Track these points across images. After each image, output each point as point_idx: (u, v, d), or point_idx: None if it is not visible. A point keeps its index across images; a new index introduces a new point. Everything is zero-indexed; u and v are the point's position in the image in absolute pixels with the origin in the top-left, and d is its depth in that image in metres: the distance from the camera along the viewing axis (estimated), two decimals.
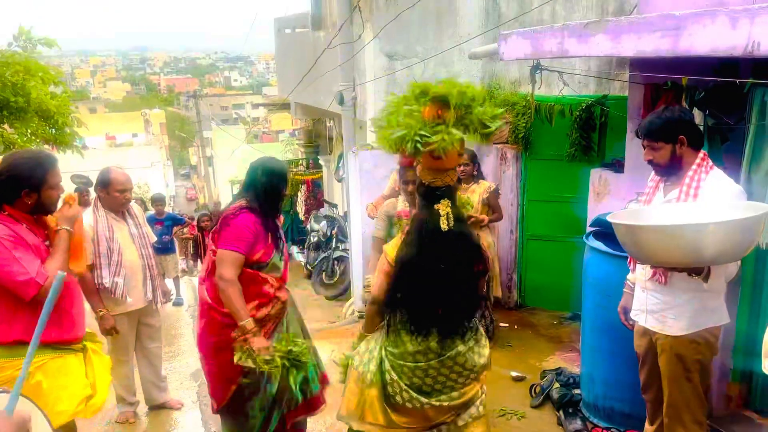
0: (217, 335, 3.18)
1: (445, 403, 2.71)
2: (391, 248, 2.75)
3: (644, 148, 2.87)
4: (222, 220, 3.17)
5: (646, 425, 3.23)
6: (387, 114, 2.58)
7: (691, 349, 2.82)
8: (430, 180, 2.63)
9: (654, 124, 2.80)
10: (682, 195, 2.78)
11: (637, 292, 3.05)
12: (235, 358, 3.08)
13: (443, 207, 2.62)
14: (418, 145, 2.44)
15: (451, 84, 2.52)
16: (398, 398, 2.71)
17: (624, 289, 3.23)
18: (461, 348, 2.70)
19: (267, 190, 3.26)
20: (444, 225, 2.60)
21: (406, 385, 2.70)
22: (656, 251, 2.48)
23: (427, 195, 2.65)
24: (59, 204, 2.94)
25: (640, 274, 2.99)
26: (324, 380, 3.51)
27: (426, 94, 2.51)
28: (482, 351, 2.77)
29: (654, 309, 2.92)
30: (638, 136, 2.94)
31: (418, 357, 2.69)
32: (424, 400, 2.69)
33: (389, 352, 2.74)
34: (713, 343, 2.85)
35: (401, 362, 2.71)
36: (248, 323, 3.07)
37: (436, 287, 2.65)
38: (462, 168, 5.20)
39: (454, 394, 2.73)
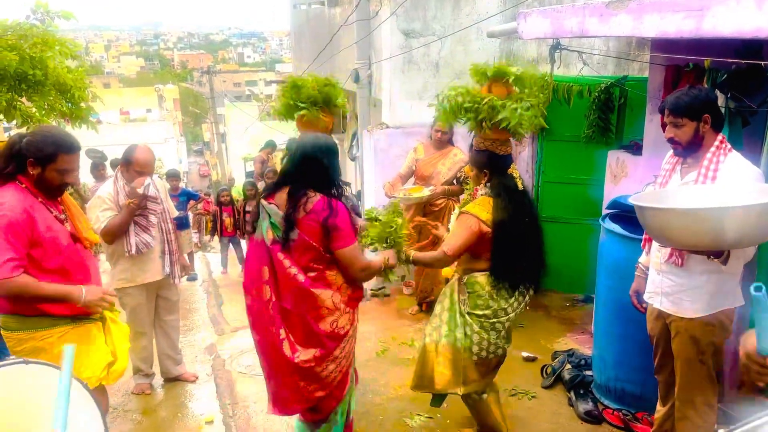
0: (344, 333, 3.02)
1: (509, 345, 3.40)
2: (480, 210, 3.15)
3: (665, 126, 2.84)
4: (326, 224, 2.82)
5: (658, 406, 3.25)
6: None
7: (705, 332, 2.83)
8: (504, 150, 3.22)
9: (681, 100, 2.75)
10: (700, 177, 2.75)
11: (651, 275, 3.04)
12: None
13: (514, 170, 3.30)
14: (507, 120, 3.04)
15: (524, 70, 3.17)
16: (484, 353, 3.23)
17: (636, 273, 3.23)
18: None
19: (333, 171, 2.98)
20: (520, 185, 3.26)
21: (494, 338, 3.22)
22: (680, 234, 2.45)
23: (502, 163, 3.23)
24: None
25: (655, 257, 2.98)
26: None
27: (503, 75, 3.16)
28: None
29: (669, 291, 2.91)
30: (661, 112, 2.90)
31: (509, 310, 3.23)
32: (508, 346, 3.37)
33: (476, 315, 3.20)
34: (728, 325, 2.85)
35: (494, 320, 3.20)
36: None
37: (531, 243, 3.25)
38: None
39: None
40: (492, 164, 3.22)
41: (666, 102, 2.85)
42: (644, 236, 3.11)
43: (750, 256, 2.77)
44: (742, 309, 2.93)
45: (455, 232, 3.19)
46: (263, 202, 2.96)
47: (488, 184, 3.25)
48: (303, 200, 2.83)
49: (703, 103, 2.73)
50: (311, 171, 2.91)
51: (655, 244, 2.97)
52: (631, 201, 2.62)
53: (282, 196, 2.91)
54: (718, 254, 2.62)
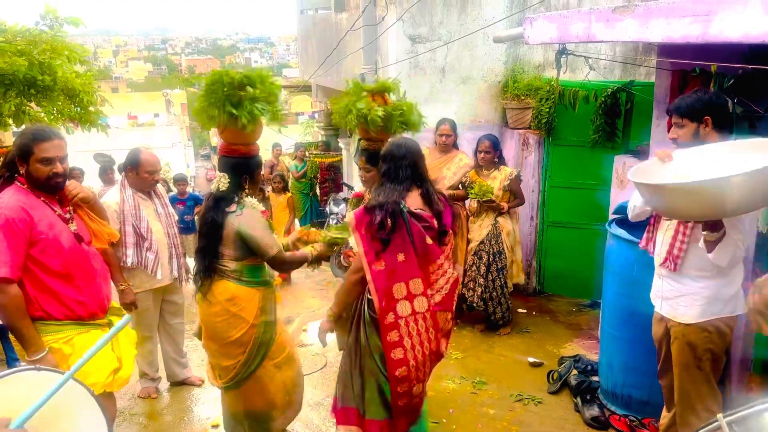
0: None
1: None
2: None
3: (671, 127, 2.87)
4: (449, 228, 3.02)
5: (663, 412, 3.24)
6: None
7: (702, 338, 2.82)
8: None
9: (683, 101, 2.80)
10: None
11: (654, 278, 3.06)
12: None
13: None
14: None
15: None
16: None
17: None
18: None
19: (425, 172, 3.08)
20: None
21: None
22: (678, 207, 2.44)
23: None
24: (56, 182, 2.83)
25: (655, 261, 2.99)
26: None
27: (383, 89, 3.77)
28: None
29: (668, 296, 2.94)
30: (669, 115, 2.93)
31: None
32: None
33: None
34: (726, 333, 2.83)
35: None
36: None
37: None
38: (483, 154, 5.20)
39: None
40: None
41: (671, 104, 2.88)
42: (645, 236, 3.11)
43: (739, 259, 2.75)
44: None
45: None
46: (414, 211, 2.89)
47: None
48: (435, 198, 2.99)
49: (706, 105, 2.74)
50: (422, 171, 3.06)
51: (658, 250, 2.97)
52: (629, 177, 2.60)
53: (414, 200, 2.93)
54: (715, 227, 2.57)
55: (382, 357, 2.94)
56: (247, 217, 3.09)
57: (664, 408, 3.23)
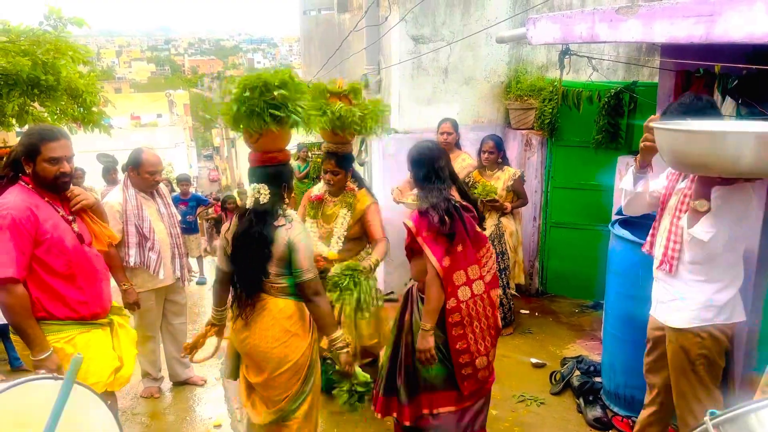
0: None
1: None
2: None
3: None
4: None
5: (642, 410, 3.26)
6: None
7: (694, 344, 2.80)
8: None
9: (670, 105, 2.87)
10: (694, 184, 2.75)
11: (654, 282, 3.05)
12: None
13: None
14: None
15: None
16: None
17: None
18: None
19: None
20: None
21: None
22: (697, 156, 2.39)
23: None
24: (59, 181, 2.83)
25: (654, 264, 2.98)
26: None
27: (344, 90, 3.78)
28: None
29: (663, 299, 2.93)
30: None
31: None
32: None
33: None
34: (721, 339, 2.79)
35: None
36: None
37: None
38: (486, 155, 5.20)
39: None
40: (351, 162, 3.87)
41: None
42: (648, 239, 3.09)
43: (737, 259, 2.76)
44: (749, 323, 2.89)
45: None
46: (463, 203, 3.11)
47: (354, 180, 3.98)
48: (466, 190, 3.32)
49: (684, 107, 2.77)
50: (452, 168, 3.27)
51: (655, 252, 2.97)
52: (653, 125, 2.65)
53: (454, 194, 3.11)
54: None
55: (444, 342, 3.08)
56: (297, 230, 2.87)
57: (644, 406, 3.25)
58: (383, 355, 3.49)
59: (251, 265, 2.85)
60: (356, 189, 4.04)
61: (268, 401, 2.98)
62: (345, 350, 2.90)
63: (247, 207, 2.88)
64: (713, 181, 2.59)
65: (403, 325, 3.25)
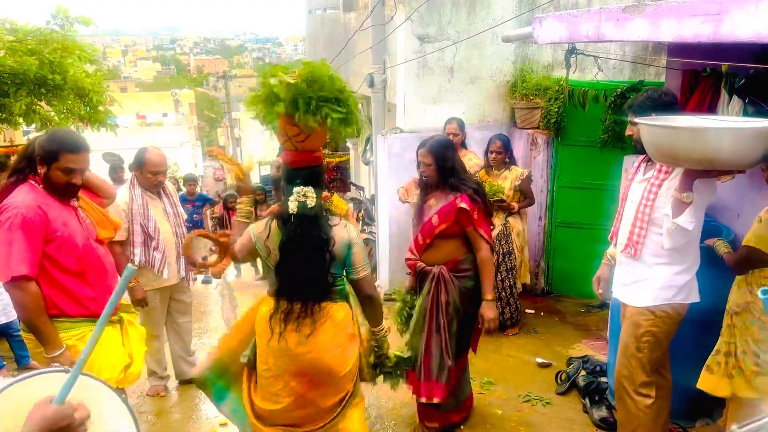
0: None
1: None
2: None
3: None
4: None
5: None
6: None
7: (647, 320, 2.95)
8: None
9: (635, 99, 2.99)
10: (661, 174, 2.90)
11: (617, 267, 3.20)
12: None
13: None
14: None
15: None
16: None
17: (602, 261, 3.46)
18: None
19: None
20: None
21: None
22: (684, 150, 2.57)
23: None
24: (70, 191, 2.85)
25: (618, 248, 3.13)
26: None
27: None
28: None
29: (626, 282, 3.08)
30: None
31: None
32: None
33: None
34: (674, 318, 2.95)
35: None
36: None
37: None
38: (494, 155, 5.19)
39: None
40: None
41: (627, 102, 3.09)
42: (612, 230, 3.24)
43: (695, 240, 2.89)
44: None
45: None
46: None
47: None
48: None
49: (652, 103, 2.89)
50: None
51: (620, 238, 3.10)
52: (636, 120, 2.83)
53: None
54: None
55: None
56: (351, 226, 2.73)
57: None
58: (405, 348, 3.41)
59: (316, 272, 2.63)
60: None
61: (321, 411, 2.76)
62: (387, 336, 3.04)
63: (291, 211, 2.62)
64: (696, 174, 2.71)
65: (438, 307, 3.47)
